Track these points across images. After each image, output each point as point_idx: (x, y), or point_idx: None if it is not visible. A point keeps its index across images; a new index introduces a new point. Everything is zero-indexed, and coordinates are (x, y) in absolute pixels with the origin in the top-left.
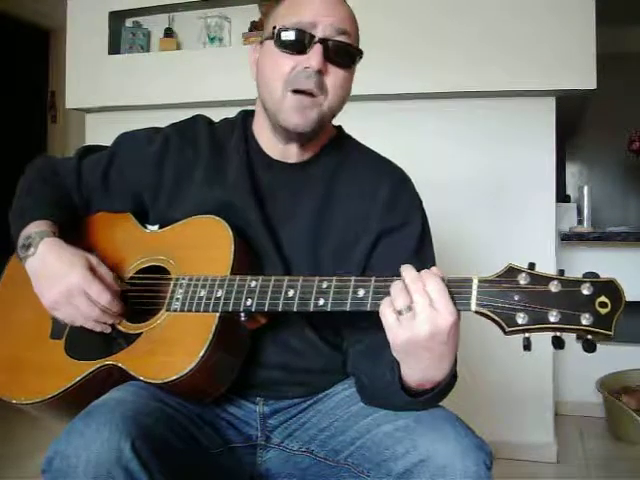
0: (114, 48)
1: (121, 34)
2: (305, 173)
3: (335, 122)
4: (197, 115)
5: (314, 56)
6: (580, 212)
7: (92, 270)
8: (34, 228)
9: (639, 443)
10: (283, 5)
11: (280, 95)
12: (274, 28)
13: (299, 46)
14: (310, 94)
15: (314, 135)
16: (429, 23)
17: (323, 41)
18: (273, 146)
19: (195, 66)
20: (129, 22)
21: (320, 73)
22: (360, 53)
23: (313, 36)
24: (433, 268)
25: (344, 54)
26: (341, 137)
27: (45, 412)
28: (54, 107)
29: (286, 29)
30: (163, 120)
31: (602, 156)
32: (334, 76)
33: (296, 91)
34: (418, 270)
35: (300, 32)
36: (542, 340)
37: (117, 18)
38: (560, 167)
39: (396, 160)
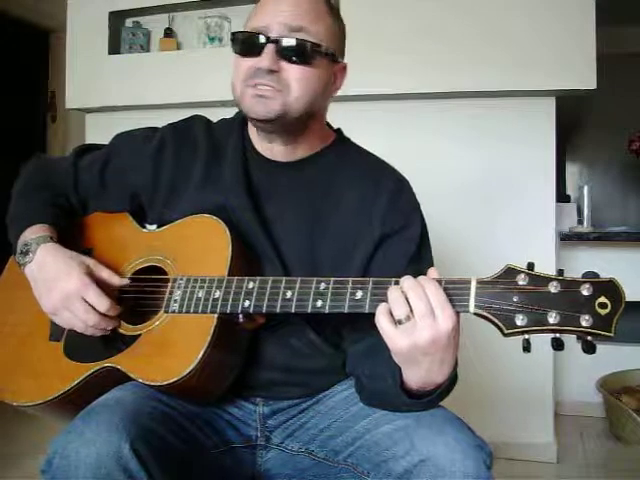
0: (114, 48)
1: (121, 34)
2: (301, 173)
3: (333, 123)
4: (195, 115)
5: (264, 56)
6: (580, 212)
7: (90, 274)
8: (31, 234)
9: (639, 443)
10: (253, 11)
11: (240, 92)
12: (233, 35)
13: (253, 49)
14: (266, 85)
15: (285, 126)
16: (429, 23)
17: (274, 41)
18: (262, 145)
19: (195, 66)
20: (129, 22)
21: (273, 72)
22: (317, 46)
23: (266, 37)
24: (431, 270)
25: (298, 51)
26: (340, 140)
27: (45, 413)
28: (54, 107)
29: (239, 34)
30: (163, 120)
31: (602, 156)
32: (292, 72)
33: (253, 84)
34: (416, 274)
35: (251, 35)
36: (542, 340)
37: (117, 18)
38: (560, 167)
39: (396, 160)
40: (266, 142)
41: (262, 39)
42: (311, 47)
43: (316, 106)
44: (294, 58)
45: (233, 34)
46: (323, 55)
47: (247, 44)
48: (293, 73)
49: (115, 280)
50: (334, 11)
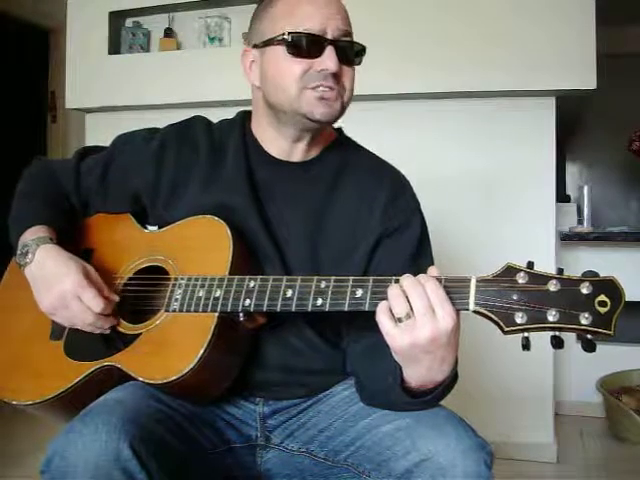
0: (114, 48)
1: (121, 34)
2: (306, 173)
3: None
4: (195, 116)
5: (330, 59)
6: (580, 212)
7: (87, 275)
8: (31, 235)
9: (639, 443)
10: (279, 9)
11: (296, 93)
12: (283, 35)
13: (312, 50)
14: (330, 88)
15: (324, 130)
16: (429, 23)
17: (334, 42)
18: (277, 146)
19: (195, 66)
20: (129, 22)
21: (336, 75)
22: (364, 49)
23: (324, 39)
24: (431, 268)
25: (354, 53)
26: (341, 139)
27: (45, 412)
28: (54, 107)
29: (296, 36)
30: (163, 120)
31: (602, 156)
32: (346, 75)
33: (315, 87)
34: (417, 273)
35: (312, 37)
36: (542, 340)
37: (117, 18)
38: (560, 167)
39: (396, 160)
40: (288, 143)
41: (322, 41)
42: (360, 49)
43: None
44: (350, 60)
45: (283, 36)
46: (362, 58)
47: (306, 45)
48: (349, 75)
49: (107, 293)
50: None
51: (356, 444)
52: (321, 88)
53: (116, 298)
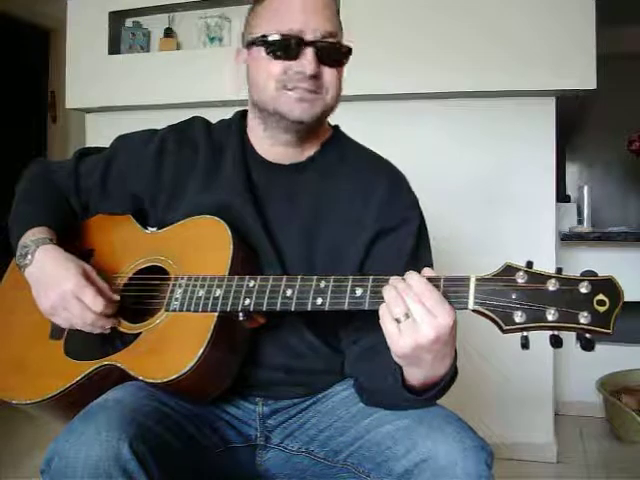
0: (114, 48)
1: (121, 34)
2: (301, 175)
3: (334, 122)
4: (194, 117)
5: (307, 61)
6: (580, 212)
7: (86, 276)
8: (30, 236)
9: (639, 443)
10: (265, 8)
11: (275, 93)
12: (262, 36)
13: (290, 52)
14: (310, 91)
15: (314, 129)
16: (429, 23)
17: (313, 44)
18: (267, 148)
19: (195, 66)
20: (129, 22)
21: (315, 77)
22: (349, 51)
23: (302, 40)
24: (425, 269)
25: (335, 54)
26: (337, 136)
27: (45, 412)
28: (54, 107)
29: (274, 37)
30: (163, 120)
31: (602, 156)
32: (328, 76)
33: (293, 88)
34: (416, 268)
35: (290, 39)
36: (542, 340)
37: (117, 18)
38: (560, 167)
39: (396, 160)
40: (272, 145)
41: (301, 42)
42: (344, 51)
43: None
44: (332, 61)
45: (263, 37)
46: (349, 58)
47: (284, 47)
48: (331, 76)
49: (107, 293)
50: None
51: (356, 444)
52: (300, 90)
53: (117, 297)
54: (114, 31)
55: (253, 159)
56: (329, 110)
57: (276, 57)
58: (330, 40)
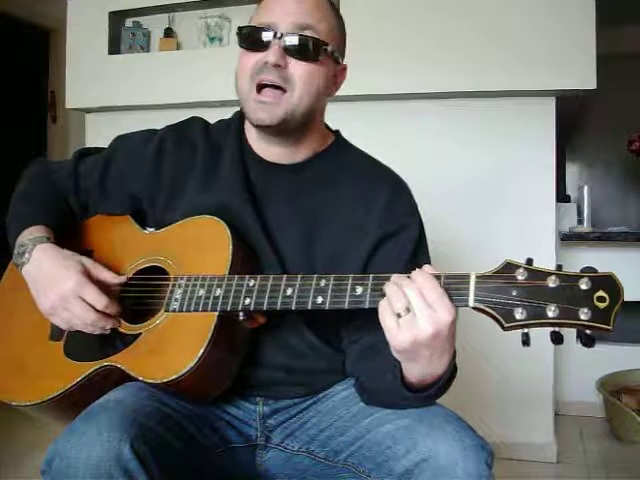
0: (114, 48)
1: (121, 34)
2: (299, 176)
3: (334, 123)
4: (193, 117)
5: (271, 51)
6: (580, 212)
7: (87, 274)
8: (28, 235)
9: (639, 443)
10: (258, 7)
11: (247, 90)
12: (238, 29)
13: (260, 44)
14: (273, 86)
15: (288, 129)
16: (429, 23)
17: (282, 37)
18: (264, 147)
19: (195, 66)
20: (129, 22)
21: (279, 67)
22: (324, 44)
23: (274, 33)
24: (426, 266)
25: (305, 47)
26: (338, 142)
27: (45, 414)
28: (54, 107)
29: (246, 29)
30: (163, 120)
31: (602, 156)
32: (298, 69)
33: (260, 86)
34: None
35: (258, 30)
36: (542, 340)
37: (117, 18)
38: (560, 167)
39: (396, 160)
40: (266, 145)
41: (269, 34)
42: (317, 45)
43: (316, 106)
44: (301, 55)
45: (240, 28)
46: (328, 54)
47: (254, 39)
48: (299, 69)
49: (113, 278)
50: (337, 13)
51: (356, 444)
52: (263, 92)
53: (122, 279)
54: (114, 31)
55: (251, 159)
56: (299, 109)
57: (249, 49)
58: (303, 33)
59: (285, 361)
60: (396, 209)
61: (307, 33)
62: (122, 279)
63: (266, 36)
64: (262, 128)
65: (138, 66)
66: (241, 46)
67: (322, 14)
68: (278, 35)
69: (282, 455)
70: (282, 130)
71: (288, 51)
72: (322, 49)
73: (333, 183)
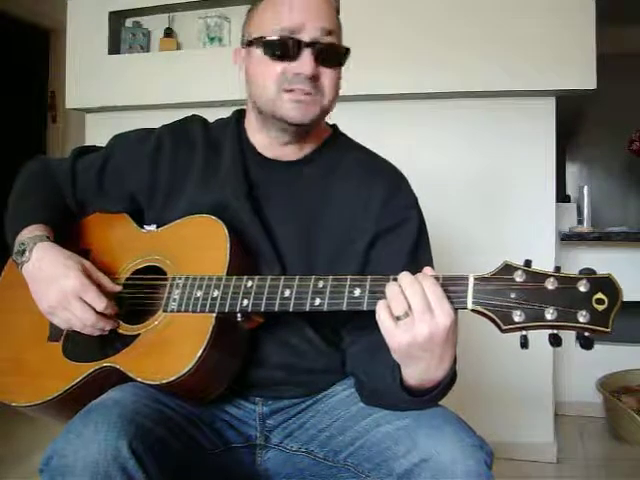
0: (114, 48)
1: (121, 34)
2: (300, 172)
3: (333, 122)
4: (192, 115)
5: (305, 63)
6: (580, 212)
7: (87, 274)
8: (27, 234)
9: (639, 443)
10: (263, 8)
11: (274, 94)
12: (261, 37)
13: (288, 53)
14: (307, 93)
15: (311, 129)
16: (429, 23)
17: (311, 45)
18: (267, 145)
19: (195, 66)
20: (129, 22)
21: (313, 78)
22: (347, 51)
23: (300, 41)
24: (426, 268)
25: (333, 55)
26: (336, 136)
27: (44, 414)
28: (54, 107)
29: (272, 37)
30: (163, 120)
31: (602, 156)
32: (327, 77)
33: (291, 89)
34: (414, 270)
35: (287, 40)
36: (542, 340)
37: (117, 18)
38: (560, 167)
39: (395, 160)
40: (277, 143)
41: (299, 43)
42: (342, 52)
43: None
44: (330, 63)
45: (261, 38)
46: (347, 58)
47: (282, 48)
48: (329, 77)
49: (108, 286)
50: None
51: (356, 444)
52: (297, 92)
53: (118, 288)
54: (114, 31)
55: (251, 156)
56: (327, 111)
57: (274, 58)
58: (328, 39)
59: (284, 360)
60: (395, 202)
61: (331, 39)
62: (117, 289)
63: (295, 45)
64: (294, 126)
65: (138, 66)
66: (266, 54)
67: (336, 17)
68: (307, 43)
69: (282, 455)
70: (307, 129)
71: (318, 59)
72: (346, 55)
73: (331, 177)
